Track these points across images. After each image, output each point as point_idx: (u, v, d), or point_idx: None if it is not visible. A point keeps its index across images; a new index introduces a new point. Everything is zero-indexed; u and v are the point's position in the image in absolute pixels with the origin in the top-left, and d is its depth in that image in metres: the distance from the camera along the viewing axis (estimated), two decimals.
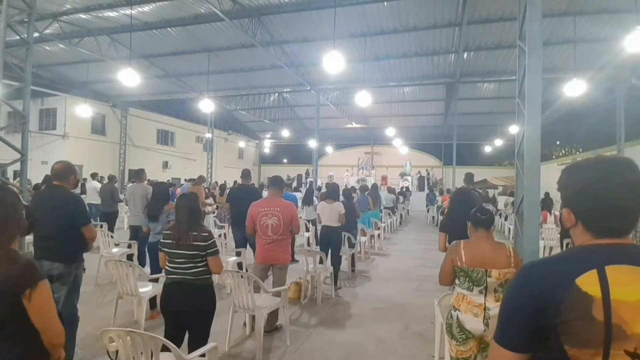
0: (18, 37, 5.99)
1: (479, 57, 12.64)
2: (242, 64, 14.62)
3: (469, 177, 5.96)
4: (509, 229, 10.81)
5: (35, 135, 16.77)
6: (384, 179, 24.80)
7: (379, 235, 9.63)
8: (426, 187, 22.97)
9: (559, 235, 7.80)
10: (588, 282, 0.89)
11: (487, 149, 25.29)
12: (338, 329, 4.37)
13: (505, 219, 12.24)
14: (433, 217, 15.60)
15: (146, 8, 10.36)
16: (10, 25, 5.71)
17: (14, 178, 7.73)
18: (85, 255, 3.27)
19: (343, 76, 13.97)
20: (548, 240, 8.22)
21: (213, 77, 15.08)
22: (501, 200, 14.78)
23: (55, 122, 18.05)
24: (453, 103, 16.74)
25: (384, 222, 11.04)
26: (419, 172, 24.94)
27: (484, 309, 2.32)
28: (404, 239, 11.46)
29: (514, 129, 17.25)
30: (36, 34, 10.71)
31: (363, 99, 11.96)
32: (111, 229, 7.91)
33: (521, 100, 3.44)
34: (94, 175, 11.74)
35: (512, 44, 10.09)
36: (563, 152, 18.97)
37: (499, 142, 22.48)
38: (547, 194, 10.41)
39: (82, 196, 11.21)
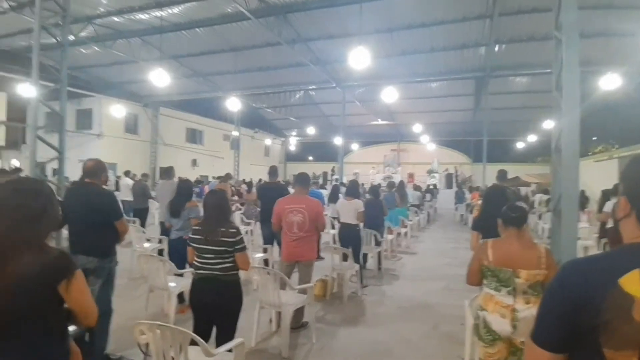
0: (55, 40, 6.25)
1: (511, 49, 12.14)
2: (268, 62, 14.72)
3: (501, 175, 5.74)
4: (543, 228, 10.37)
5: (73, 135, 17.55)
6: (411, 176, 24.41)
7: (406, 233, 9.48)
8: (454, 184, 22.44)
9: (595, 235, 7.42)
10: (631, 281, 0.85)
11: (520, 145, 24.37)
12: (364, 327, 4.32)
13: (540, 217, 11.76)
14: (462, 215, 15.21)
15: (175, 9, 10.60)
16: (45, 27, 5.95)
17: (53, 175, 8.11)
18: (118, 249, 3.38)
19: (369, 72, 13.80)
20: (583, 239, 7.84)
21: (239, 76, 15.28)
22: (536, 199, 14.21)
23: (91, 122, 18.88)
24: (483, 98, 16.20)
25: (411, 220, 10.86)
26: (447, 169, 24.38)
27: (512, 310, 2.22)
28: (432, 237, 11.24)
29: (548, 124, 16.65)
30: (72, 37, 11.21)
31: (389, 95, 11.81)
32: (143, 224, 8.18)
33: (558, 93, 3.26)
34: (126, 173, 12.17)
35: (546, 36, 9.65)
36: (600, 148, 17.98)
37: (532, 138, 21.62)
38: (582, 192, 9.93)
39: (116, 193, 11.72)
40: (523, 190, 17.22)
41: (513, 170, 19.47)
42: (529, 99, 17.23)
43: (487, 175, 15.81)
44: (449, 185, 22.77)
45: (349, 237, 5.72)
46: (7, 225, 1.39)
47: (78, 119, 19.06)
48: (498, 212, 2.51)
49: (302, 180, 4.29)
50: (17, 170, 9.82)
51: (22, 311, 1.37)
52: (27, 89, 8.56)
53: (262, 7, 10.02)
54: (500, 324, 2.23)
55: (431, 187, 19.83)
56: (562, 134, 3.00)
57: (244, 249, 2.84)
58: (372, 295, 5.51)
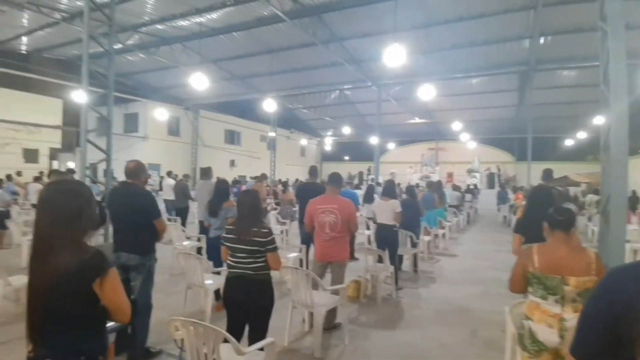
0: (102, 49, 6.64)
1: (557, 41, 11.44)
2: (303, 63, 14.83)
3: (547, 174, 5.41)
4: (593, 230, 9.67)
5: (121, 138, 18.66)
6: (450, 176, 23.67)
7: (444, 234, 9.20)
8: (496, 184, 21.50)
9: None
10: None
11: (568, 142, 22.87)
12: (399, 330, 4.23)
13: (589, 219, 10.98)
14: (504, 217, 14.53)
15: (214, 15, 10.94)
16: (94, 37, 6.35)
17: (104, 176, 8.63)
18: (159, 247, 3.52)
19: (405, 70, 13.52)
20: (633, 242, 7.23)
21: (275, 77, 15.51)
22: (587, 199, 13.30)
23: (137, 125, 19.95)
24: (527, 93, 15.38)
25: (450, 221, 10.52)
26: (489, 168, 23.41)
27: (560, 319, 2.07)
28: (472, 239, 10.82)
29: (598, 120, 15.50)
30: (119, 45, 11.89)
31: (426, 92, 11.50)
32: (183, 223, 8.50)
33: (605, 86, 3.02)
34: (169, 173, 12.71)
35: (594, 27, 8.96)
36: None
37: (581, 135, 20.24)
38: (633, 192, 9.17)
39: (160, 192, 12.25)
40: (572, 190, 16.17)
41: (561, 170, 18.36)
42: (577, 93, 16.17)
43: (532, 174, 15.01)
44: (490, 185, 21.86)
45: (386, 238, 5.62)
46: (49, 222, 1.48)
47: (126, 122, 20.22)
48: (542, 215, 2.35)
49: (334, 180, 4.27)
50: (71, 171, 10.55)
51: (62, 306, 1.45)
52: (79, 96, 9.17)
53: (297, 9, 10.10)
54: (547, 334, 2.09)
55: (471, 187, 19.12)
56: (611, 130, 2.77)
57: (275, 249, 2.87)
58: (408, 297, 5.39)
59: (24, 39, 12.97)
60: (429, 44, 11.61)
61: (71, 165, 18.19)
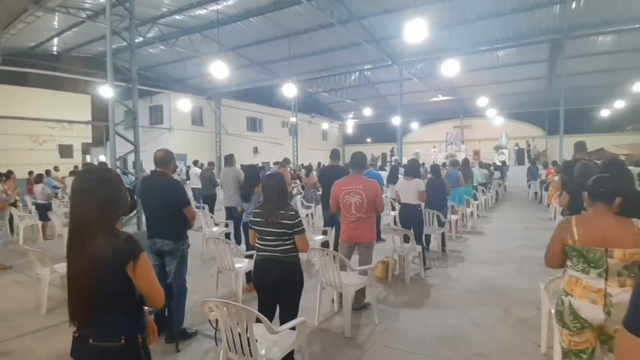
0: (125, 43, 6.75)
1: (591, 4, 10.74)
2: (322, 45, 14.63)
3: (580, 146, 5.13)
4: None
5: (148, 130, 19.16)
6: (476, 153, 23.03)
7: (471, 213, 9.00)
8: (526, 160, 20.74)
9: None
10: None
11: (604, 113, 21.65)
12: (429, 310, 4.20)
13: None
14: (535, 193, 14.06)
15: (230, 1, 10.93)
16: (117, 31, 6.47)
17: (133, 167, 8.90)
18: (190, 234, 3.62)
19: (427, 46, 13.12)
20: None
21: (294, 62, 15.39)
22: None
23: (162, 116, 20.39)
24: (559, 63, 14.58)
25: (478, 200, 10.27)
26: (517, 144, 22.58)
27: (605, 295, 1.97)
28: (502, 217, 10.55)
29: (639, 87, 14.54)
30: (140, 39, 12.09)
31: (450, 68, 11.10)
32: (211, 210, 8.70)
33: None
34: (195, 163, 12.98)
35: None
36: None
37: (619, 104, 19.08)
38: None
39: (187, 181, 12.55)
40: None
41: (597, 142, 17.43)
42: (614, 60, 15.22)
43: (565, 148, 14.37)
44: (520, 162, 21.12)
45: (410, 218, 5.56)
46: (82, 210, 1.53)
47: (151, 115, 20.70)
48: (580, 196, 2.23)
49: (359, 160, 4.22)
50: (103, 164, 10.96)
51: (100, 289, 1.50)
52: (105, 90, 9.45)
53: None
54: (591, 311, 2.00)
55: (500, 163, 18.55)
56: None
57: (302, 231, 2.88)
58: (436, 277, 5.33)
59: (55, 40, 13.50)
60: (453, 16, 11.16)
61: (102, 158, 18.89)
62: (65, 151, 18.89)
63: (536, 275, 4.76)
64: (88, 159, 20.66)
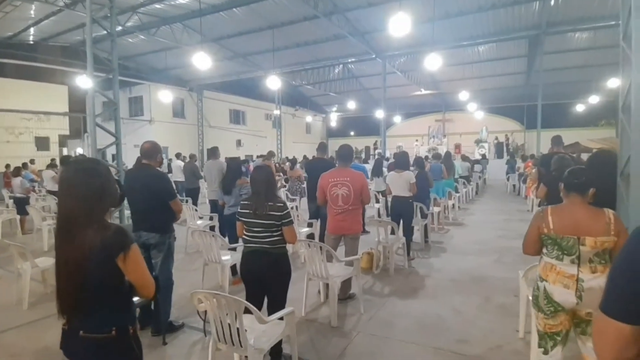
0: (105, 32, 6.57)
1: (569, 1, 11.01)
2: (306, 37, 14.55)
3: (557, 140, 5.35)
4: None
5: (127, 122, 18.70)
6: (457, 147, 23.44)
7: (453, 205, 9.21)
8: (505, 153, 21.26)
9: None
10: None
11: (579, 108, 22.37)
12: (413, 299, 4.31)
13: None
14: (514, 186, 14.46)
15: None
16: (96, 20, 6.28)
17: (113, 160, 8.72)
18: (174, 227, 3.59)
19: (410, 40, 13.22)
20: None
21: (278, 54, 15.27)
22: None
23: (142, 108, 19.95)
24: (538, 59, 14.96)
25: (459, 192, 10.50)
26: (497, 137, 23.10)
27: (577, 280, 2.09)
28: (481, 209, 10.82)
29: (613, 83, 15.06)
30: (120, 28, 11.76)
31: (432, 62, 11.21)
32: (195, 203, 8.60)
33: (626, 43, 2.90)
34: (177, 155, 12.78)
35: None
36: None
37: (594, 100, 19.73)
38: None
39: (169, 175, 12.36)
40: (584, 157, 15.93)
41: (572, 136, 17.97)
42: (590, 56, 15.71)
43: (542, 142, 14.80)
44: (499, 155, 21.65)
45: (402, 210, 5.66)
46: (72, 201, 1.51)
47: (130, 106, 20.21)
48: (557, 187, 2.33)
49: (345, 153, 4.26)
50: (81, 157, 10.67)
51: (90, 282, 1.50)
52: (84, 81, 9.20)
53: None
54: (564, 295, 2.12)
55: (480, 157, 18.96)
56: (632, 90, 2.68)
57: (291, 222, 2.90)
58: (420, 267, 5.46)
59: (32, 29, 13.04)
60: (436, 10, 11.25)
61: (80, 151, 18.37)
62: (41, 144, 18.31)
63: (514, 265, 4.94)
64: (65, 151, 20.05)
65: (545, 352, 2.22)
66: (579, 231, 2.10)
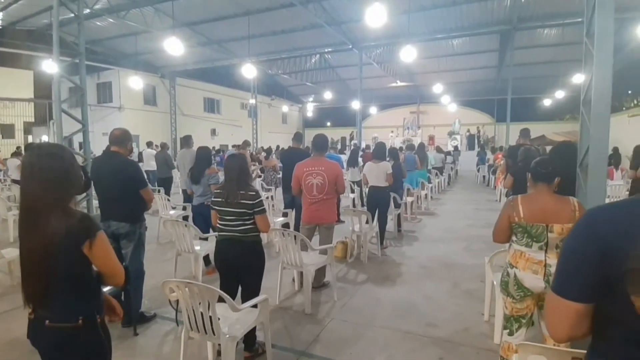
0: (72, 15, 6.25)
1: None
2: (282, 26, 14.35)
3: (524, 133, 5.58)
4: None
5: (95, 109, 17.97)
6: (431, 138, 23.92)
7: (426, 195, 9.43)
8: (476, 145, 21.88)
9: (627, 192, 7.20)
10: None
11: (547, 102, 23.28)
12: (385, 287, 4.42)
13: None
14: (484, 177, 14.95)
15: None
16: (63, 2, 5.97)
17: (80, 149, 8.37)
18: (146, 216, 3.52)
19: (386, 31, 13.29)
20: (614, 198, 7.60)
21: (254, 42, 14.99)
22: None
23: (111, 94, 19.17)
24: (508, 53, 15.40)
25: (432, 183, 10.76)
26: (469, 130, 23.72)
27: (545, 265, 2.21)
28: (453, 199, 11.14)
29: (578, 79, 15.72)
30: (88, 10, 11.19)
31: (408, 54, 11.33)
32: (167, 193, 8.43)
33: (589, 39, 3.04)
34: (149, 144, 12.41)
35: None
36: (635, 102, 16.82)
37: (560, 95, 20.57)
38: (615, 149, 9.52)
39: (140, 164, 12.01)
40: (549, 149, 16.60)
41: (539, 129, 18.75)
42: (558, 52, 16.31)
43: (511, 134, 15.32)
44: (471, 147, 22.25)
45: (378, 200, 5.74)
46: (35, 187, 1.45)
47: (99, 92, 19.39)
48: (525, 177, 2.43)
49: (320, 142, 4.28)
50: (45, 143, 10.17)
51: (55, 270, 1.46)
52: (50, 65, 8.75)
53: None
54: (533, 280, 2.23)
55: (453, 148, 19.44)
56: (593, 85, 2.82)
57: (263, 211, 2.90)
58: (392, 256, 5.59)
59: (0, 14, 12.21)
60: (411, 3, 11.33)
61: (45, 138, 17.53)
62: (6, 131, 17.42)
63: (482, 252, 5.13)
64: (30, 139, 19.08)
65: (511, 334, 2.35)
66: (547, 219, 2.21)
